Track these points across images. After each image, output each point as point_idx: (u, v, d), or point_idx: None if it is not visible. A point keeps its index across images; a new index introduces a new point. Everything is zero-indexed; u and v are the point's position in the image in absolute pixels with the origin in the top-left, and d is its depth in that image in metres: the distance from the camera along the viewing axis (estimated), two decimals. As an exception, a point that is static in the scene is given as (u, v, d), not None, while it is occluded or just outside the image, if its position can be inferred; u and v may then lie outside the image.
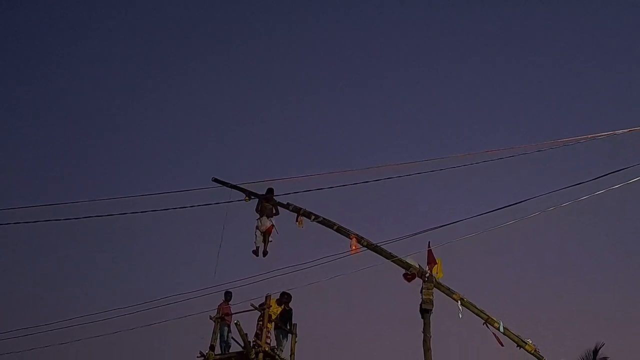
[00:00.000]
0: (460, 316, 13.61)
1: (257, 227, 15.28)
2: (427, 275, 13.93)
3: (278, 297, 15.71)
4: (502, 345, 13.38)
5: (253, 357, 14.75)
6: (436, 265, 13.98)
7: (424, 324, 13.67)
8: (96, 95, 46.98)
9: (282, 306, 15.86)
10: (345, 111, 48.79)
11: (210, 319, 15.64)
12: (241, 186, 15.39)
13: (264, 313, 15.36)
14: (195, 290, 15.08)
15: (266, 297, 15.53)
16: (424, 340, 13.50)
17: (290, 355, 15.90)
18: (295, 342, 16.11)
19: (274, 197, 15.48)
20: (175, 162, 45.70)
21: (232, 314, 15.82)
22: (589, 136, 10.98)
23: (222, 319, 15.67)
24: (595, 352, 25.16)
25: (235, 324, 15.37)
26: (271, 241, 15.42)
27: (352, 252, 14.20)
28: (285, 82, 49.32)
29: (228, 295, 15.89)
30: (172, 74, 47.04)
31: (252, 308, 15.50)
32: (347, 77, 48.89)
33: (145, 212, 12.63)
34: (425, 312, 13.69)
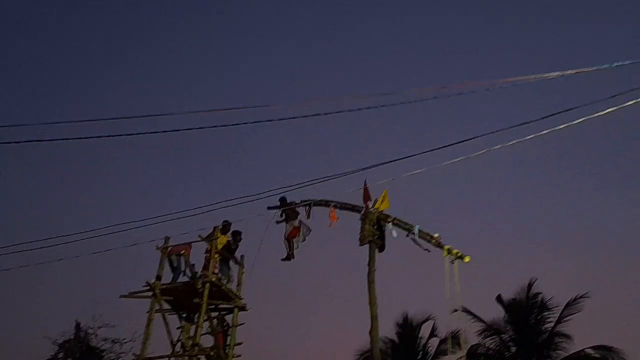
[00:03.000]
0: (395, 234, 13.76)
1: (283, 236, 15.85)
2: (363, 212, 14.15)
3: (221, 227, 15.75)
4: (429, 251, 13.42)
5: (200, 287, 14.83)
6: (379, 199, 14.14)
7: (369, 256, 13.82)
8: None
9: (228, 236, 15.93)
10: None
11: (157, 249, 15.56)
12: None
13: (211, 244, 15.39)
14: (146, 219, 14.88)
15: (214, 229, 15.54)
16: (368, 272, 13.63)
17: (237, 286, 16.11)
18: (243, 273, 16.31)
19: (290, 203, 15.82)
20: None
21: (181, 245, 15.73)
22: (537, 76, 10.98)
23: (169, 249, 15.59)
24: (529, 286, 26.56)
25: (182, 254, 15.38)
26: (304, 240, 15.83)
27: (332, 222, 14.82)
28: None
29: None
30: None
31: (200, 239, 15.51)
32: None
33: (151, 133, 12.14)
34: (370, 245, 13.87)
